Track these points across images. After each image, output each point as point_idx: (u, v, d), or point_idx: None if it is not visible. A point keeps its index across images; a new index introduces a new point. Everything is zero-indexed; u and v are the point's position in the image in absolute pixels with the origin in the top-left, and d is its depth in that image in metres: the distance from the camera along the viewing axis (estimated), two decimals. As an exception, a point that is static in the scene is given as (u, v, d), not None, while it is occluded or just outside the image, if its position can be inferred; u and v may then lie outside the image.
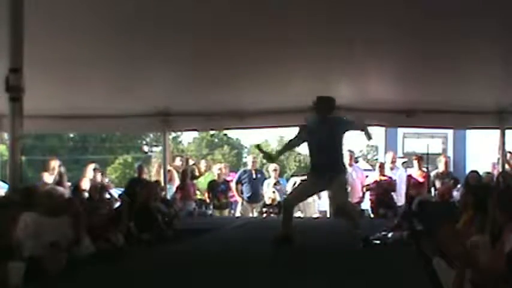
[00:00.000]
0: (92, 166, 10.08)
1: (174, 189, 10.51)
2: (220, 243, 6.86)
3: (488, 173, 9.69)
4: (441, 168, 9.99)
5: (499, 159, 9.98)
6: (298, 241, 6.13)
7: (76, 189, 8.47)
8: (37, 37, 5.82)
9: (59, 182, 9.57)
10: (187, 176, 10.68)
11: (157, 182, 9.41)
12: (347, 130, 6.49)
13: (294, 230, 6.26)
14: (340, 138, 6.45)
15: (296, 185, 6.92)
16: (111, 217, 6.31)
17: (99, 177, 9.96)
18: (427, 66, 7.60)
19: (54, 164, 9.74)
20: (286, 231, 6.19)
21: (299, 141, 6.70)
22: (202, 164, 12.02)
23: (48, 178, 9.56)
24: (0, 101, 5.43)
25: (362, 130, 6.41)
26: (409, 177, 10.05)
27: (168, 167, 10.60)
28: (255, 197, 10.57)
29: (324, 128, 6.35)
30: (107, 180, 10.78)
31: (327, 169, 6.28)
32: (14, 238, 4.33)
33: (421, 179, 9.82)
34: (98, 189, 7.68)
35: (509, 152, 10.36)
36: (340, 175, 6.44)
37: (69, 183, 9.67)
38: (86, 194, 7.89)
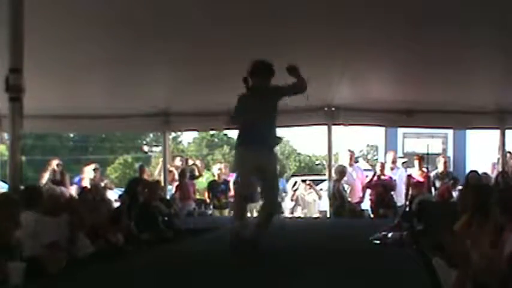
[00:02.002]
0: (92, 166, 10.09)
1: (174, 189, 10.52)
2: (220, 243, 6.86)
3: (485, 173, 9.69)
4: (440, 168, 9.99)
5: (499, 159, 9.99)
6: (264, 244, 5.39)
7: (83, 190, 8.47)
8: (37, 37, 5.82)
9: (60, 181, 9.60)
10: (186, 176, 10.68)
11: (158, 182, 9.41)
12: (283, 95, 5.55)
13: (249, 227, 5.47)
14: (275, 107, 5.57)
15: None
16: (111, 217, 6.30)
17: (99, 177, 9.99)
18: (427, 66, 7.62)
19: (53, 163, 9.78)
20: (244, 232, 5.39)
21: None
22: (198, 164, 12.00)
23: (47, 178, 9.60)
24: (0, 101, 5.43)
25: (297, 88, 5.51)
26: (409, 177, 10.05)
27: (169, 168, 10.61)
28: (252, 196, 10.55)
29: (260, 97, 5.49)
30: (105, 180, 10.79)
31: (260, 143, 5.43)
32: (14, 238, 4.33)
33: (421, 179, 9.82)
34: (99, 189, 7.70)
35: (509, 152, 10.36)
36: (273, 151, 5.62)
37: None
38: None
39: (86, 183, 9.46)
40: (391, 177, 10.09)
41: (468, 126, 12.02)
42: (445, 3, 6.02)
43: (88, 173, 9.91)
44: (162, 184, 9.79)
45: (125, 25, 6.53)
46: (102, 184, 9.68)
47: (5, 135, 8.05)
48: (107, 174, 30.33)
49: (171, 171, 10.62)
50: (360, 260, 5.35)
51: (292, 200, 10.44)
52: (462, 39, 6.69)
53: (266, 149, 5.49)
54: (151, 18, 6.41)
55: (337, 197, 9.74)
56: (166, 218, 7.49)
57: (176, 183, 10.59)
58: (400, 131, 19.21)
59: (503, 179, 8.59)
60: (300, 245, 6.03)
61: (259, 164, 5.43)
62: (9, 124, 5.28)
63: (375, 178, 10.05)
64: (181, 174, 10.63)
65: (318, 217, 10.80)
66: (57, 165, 9.82)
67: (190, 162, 12.21)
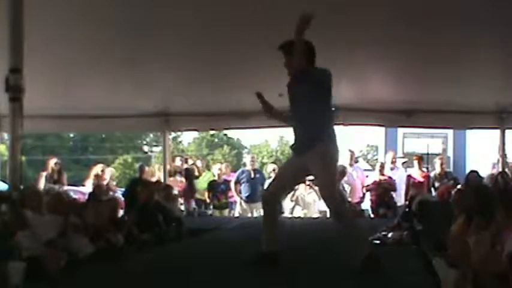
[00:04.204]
0: (99, 167, 10.14)
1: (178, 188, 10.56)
2: (220, 243, 6.86)
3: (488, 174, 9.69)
4: (438, 169, 10.00)
5: (499, 159, 9.99)
6: (285, 258, 4.79)
7: (93, 191, 8.50)
8: (37, 37, 5.82)
9: (57, 179, 9.63)
10: (194, 175, 10.72)
11: (158, 182, 9.40)
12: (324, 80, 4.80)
13: (278, 242, 4.81)
14: (316, 95, 4.69)
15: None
16: (111, 217, 6.30)
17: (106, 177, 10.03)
18: (427, 66, 7.61)
19: (51, 162, 9.82)
20: (270, 247, 4.78)
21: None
22: (199, 163, 12.03)
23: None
24: (0, 101, 5.43)
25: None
26: (409, 177, 10.06)
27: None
28: (253, 197, 10.58)
29: (299, 87, 4.75)
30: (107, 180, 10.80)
31: (304, 142, 4.69)
32: (14, 238, 4.34)
33: (421, 179, 9.83)
34: (103, 188, 7.73)
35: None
36: (317, 147, 4.54)
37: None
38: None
39: (89, 184, 9.50)
40: (390, 177, 10.09)
41: (468, 126, 12.02)
42: (445, 3, 6.02)
43: (93, 174, 9.96)
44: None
45: (125, 25, 6.52)
46: (105, 182, 9.71)
47: (5, 135, 8.05)
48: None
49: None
50: (360, 260, 5.34)
51: (292, 200, 10.44)
52: (462, 39, 6.68)
53: (300, 151, 4.69)
54: (151, 18, 6.41)
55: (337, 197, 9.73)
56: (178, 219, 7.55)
57: (180, 183, 10.62)
58: (400, 131, 19.22)
59: (502, 179, 8.59)
60: (300, 245, 6.03)
61: (295, 170, 4.79)
62: (9, 124, 5.29)
63: (375, 180, 10.05)
64: (188, 173, 10.65)
65: (317, 217, 10.80)
66: (55, 163, 9.84)
67: (190, 162, 12.25)
